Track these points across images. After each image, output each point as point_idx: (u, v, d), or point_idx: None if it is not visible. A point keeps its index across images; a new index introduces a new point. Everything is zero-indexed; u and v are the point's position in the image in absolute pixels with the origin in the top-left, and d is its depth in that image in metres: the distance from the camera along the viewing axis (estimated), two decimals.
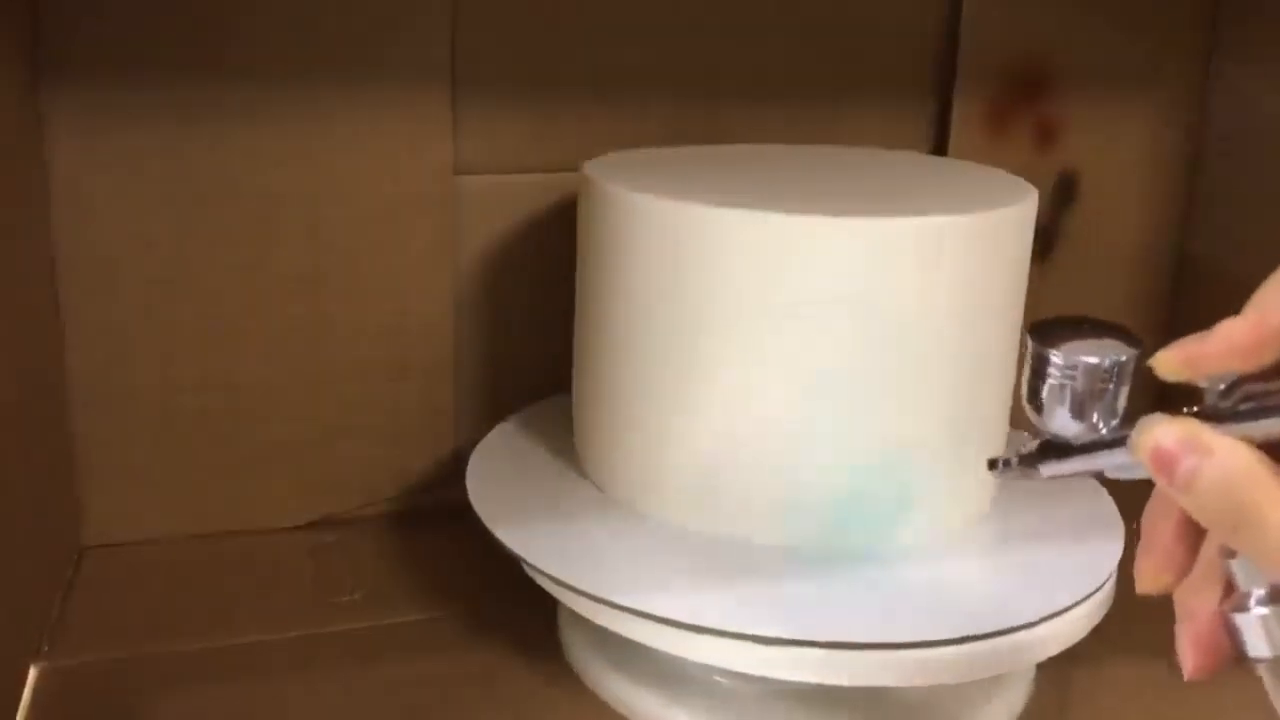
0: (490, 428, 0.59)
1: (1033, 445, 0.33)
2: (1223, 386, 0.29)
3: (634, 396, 0.49)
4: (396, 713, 0.48)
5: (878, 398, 0.46)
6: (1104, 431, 0.31)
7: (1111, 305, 0.72)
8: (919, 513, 0.48)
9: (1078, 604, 0.45)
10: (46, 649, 0.51)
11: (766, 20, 0.63)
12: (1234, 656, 0.30)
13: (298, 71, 0.56)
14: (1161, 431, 0.29)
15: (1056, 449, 0.32)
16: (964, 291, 0.46)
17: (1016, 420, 0.52)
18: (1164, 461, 0.29)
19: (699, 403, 0.47)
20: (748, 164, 0.55)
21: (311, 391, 0.60)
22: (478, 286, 0.62)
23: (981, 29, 0.65)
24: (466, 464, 0.54)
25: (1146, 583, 0.32)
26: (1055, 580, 0.46)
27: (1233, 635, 0.29)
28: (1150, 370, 0.30)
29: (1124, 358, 0.31)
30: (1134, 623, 0.49)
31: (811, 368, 0.46)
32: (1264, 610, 0.28)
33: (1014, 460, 0.34)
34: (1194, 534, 0.31)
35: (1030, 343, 0.32)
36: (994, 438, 0.51)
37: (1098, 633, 0.46)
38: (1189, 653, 0.31)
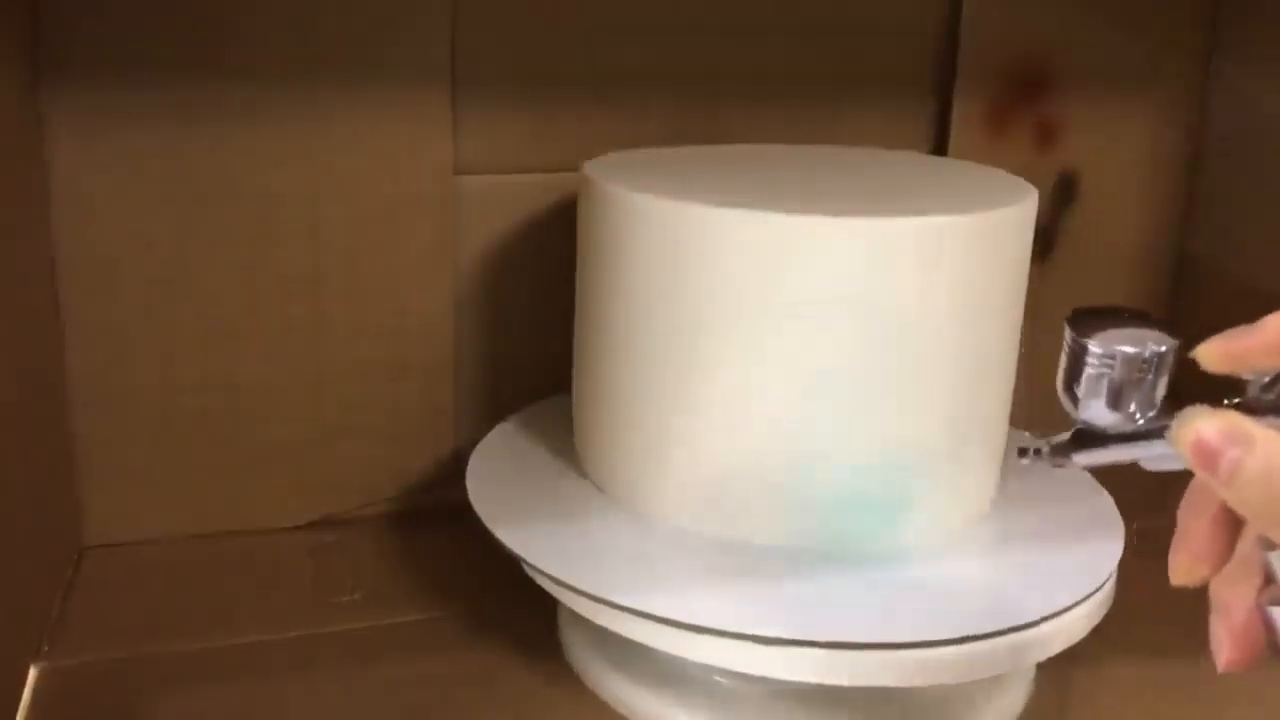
0: (490, 428, 0.59)
1: (1065, 435, 0.33)
2: (1266, 380, 0.29)
3: (634, 396, 0.49)
4: (396, 713, 0.48)
5: (878, 398, 0.46)
6: (1140, 422, 0.31)
7: None
8: (919, 513, 0.48)
9: (1078, 604, 0.45)
10: (46, 649, 0.51)
11: (766, 20, 0.63)
12: (1270, 650, 0.29)
13: (298, 71, 0.56)
14: (1204, 424, 0.29)
15: (1091, 438, 0.32)
16: (964, 291, 0.46)
17: (1016, 420, 0.52)
18: (1206, 454, 0.29)
19: (699, 403, 0.47)
20: (748, 164, 0.55)
21: (311, 391, 0.60)
22: (478, 286, 0.62)
23: (981, 29, 0.65)
24: (466, 464, 0.54)
25: (1181, 575, 0.31)
26: (1055, 580, 0.46)
27: (1270, 628, 0.29)
28: (1188, 364, 0.30)
29: (1163, 348, 0.31)
30: (1134, 623, 0.49)
31: (811, 368, 0.46)
32: None
33: (1045, 449, 0.33)
34: (1231, 526, 0.31)
35: (1067, 332, 0.32)
36: (994, 438, 0.51)
37: (1098, 633, 0.46)
38: (1225, 645, 0.30)
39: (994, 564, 0.49)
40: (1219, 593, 0.31)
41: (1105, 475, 0.55)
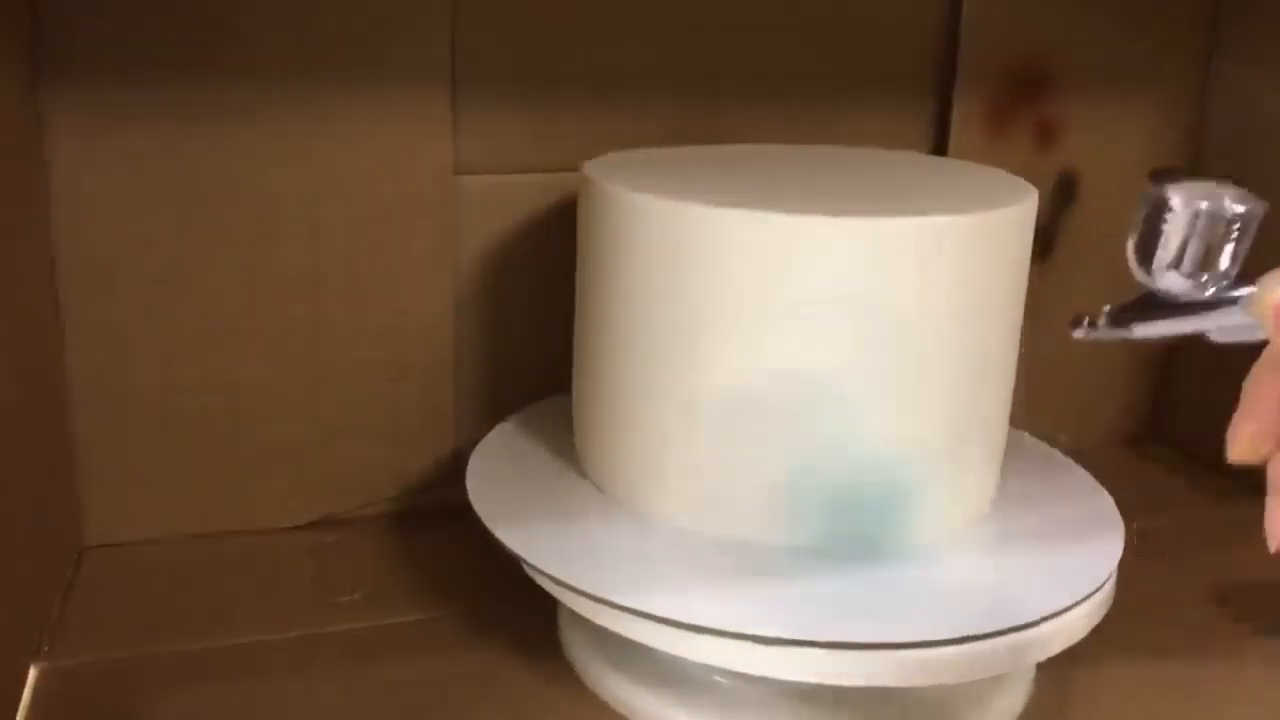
0: (490, 428, 0.59)
1: (1125, 303, 0.30)
2: None
3: (634, 396, 0.49)
4: (396, 713, 0.48)
5: (878, 398, 0.46)
6: (1213, 291, 0.29)
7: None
8: (919, 513, 0.48)
9: (1078, 604, 0.45)
10: (46, 649, 0.51)
11: (766, 20, 0.63)
12: None
13: (298, 71, 0.56)
14: None
15: (1158, 306, 0.30)
16: (964, 291, 0.46)
17: (1016, 420, 0.52)
18: None
19: (699, 403, 0.47)
20: (748, 164, 0.55)
21: (311, 391, 0.60)
22: (478, 286, 0.62)
23: (981, 29, 0.65)
24: (466, 464, 0.54)
25: (1243, 448, 0.30)
26: (1055, 580, 0.46)
27: None
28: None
29: (1250, 207, 0.28)
30: (1134, 623, 0.49)
31: (811, 368, 0.46)
32: None
33: (1105, 318, 0.31)
34: None
35: (1150, 187, 0.29)
36: (994, 438, 0.51)
37: (1098, 633, 0.46)
38: (1278, 528, 0.29)
39: (994, 564, 0.49)
40: (1278, 473, 0.29)
41: (1105, 476, 0.55)
